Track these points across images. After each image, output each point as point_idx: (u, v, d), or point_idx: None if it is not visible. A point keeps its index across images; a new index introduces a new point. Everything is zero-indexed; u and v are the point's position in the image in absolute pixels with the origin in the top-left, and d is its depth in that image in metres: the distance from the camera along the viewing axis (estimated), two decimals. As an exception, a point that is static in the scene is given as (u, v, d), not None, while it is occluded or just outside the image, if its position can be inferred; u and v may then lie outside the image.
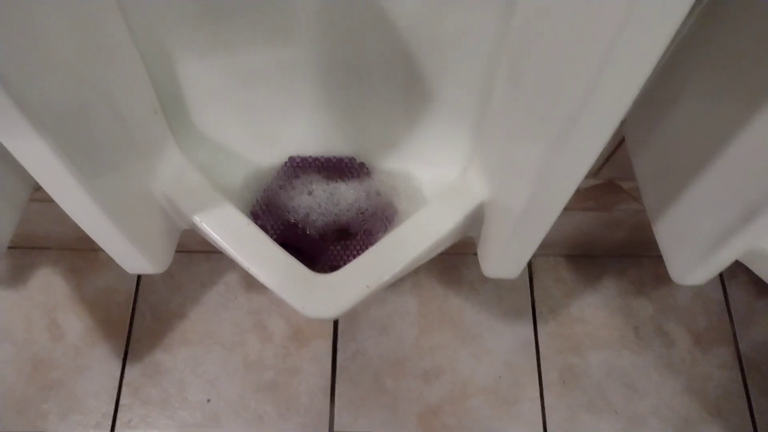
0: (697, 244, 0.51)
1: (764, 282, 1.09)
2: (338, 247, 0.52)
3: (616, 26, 0.27)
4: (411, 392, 0.90)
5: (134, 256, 0.47)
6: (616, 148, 0.66)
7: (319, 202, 0.53)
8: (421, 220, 0.49)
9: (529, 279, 0.98)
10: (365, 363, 0.92)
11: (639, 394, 0.91)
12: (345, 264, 0.48)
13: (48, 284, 0.95)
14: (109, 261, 1.01)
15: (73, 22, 0.35)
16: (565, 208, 0.47)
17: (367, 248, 0.49)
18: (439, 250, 0.51)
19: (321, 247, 0.52)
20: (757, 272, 0.52)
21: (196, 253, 0.97)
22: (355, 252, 0.52)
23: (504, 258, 0.51)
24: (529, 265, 0.99)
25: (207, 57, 0.46)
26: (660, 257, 1.04)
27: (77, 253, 0.96)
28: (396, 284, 0.98)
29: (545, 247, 0.97)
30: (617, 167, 0.70)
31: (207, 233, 0.48)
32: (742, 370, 0.93)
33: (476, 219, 0.51)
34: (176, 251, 1.02)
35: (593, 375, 0.92)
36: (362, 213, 0.53)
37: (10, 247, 0.98)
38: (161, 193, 0.48)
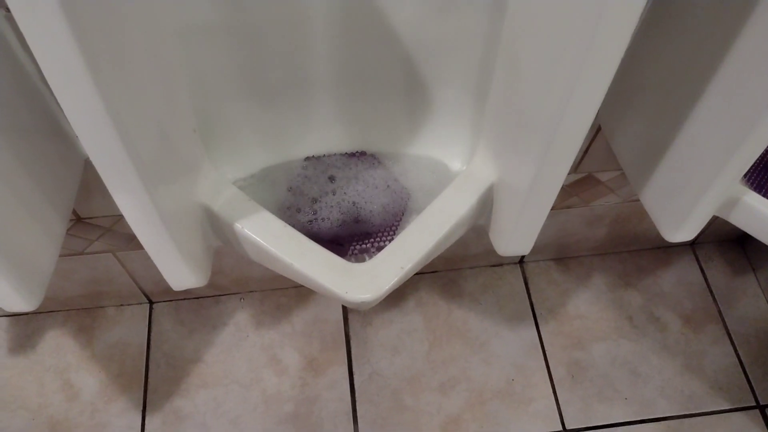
0: (680, 202, 0.57)
1: (737, 263, 1.17)
2: (362, 238, 0.57)
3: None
4: (430, 405, 0.93)
5: (182, 268, 0.51)
6: (593, 141, 0.74)
7: (337, 199, 0.58)
8: (439, 207, 0.54)
9: (524, 284, 1.03)
10: (382, 383, 0.94)
11: (643, 379, 0.96)
12: (372, 250, 0.53)
13: (57, 346, 0.95)
14: (117, 315, 1.02)
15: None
16: (551, 208, 0.53)
17: (387, 235, 0.54)
18: (458, 235, 0.57)
19: (344, 241, 0.57)
20: (734, 222, 0.59)
21: (205, 298, 0.99)
22: (379, 239, 0.56)
23: (516, 233, 0.56)
24: (523, 271, 1.05)
25: (232, 80, 0.52)
26: (640, 251, 1.12)
27: (84, 312, 0.97)
28: (400, 304, 1.02)
29: (535, 253, 1.04)
30: (595, 159, 0.78)
31: (248, 238, 0.52)
32: (733, 343, 0.99)
33: (486, 204, 0.57)
34: (185, 299, 1.03)
35: (598, 366, 0.96)
36: (378, 204, 0.58)
37: (14, 315, 0.98)
38: (201, 208, 0.53)
